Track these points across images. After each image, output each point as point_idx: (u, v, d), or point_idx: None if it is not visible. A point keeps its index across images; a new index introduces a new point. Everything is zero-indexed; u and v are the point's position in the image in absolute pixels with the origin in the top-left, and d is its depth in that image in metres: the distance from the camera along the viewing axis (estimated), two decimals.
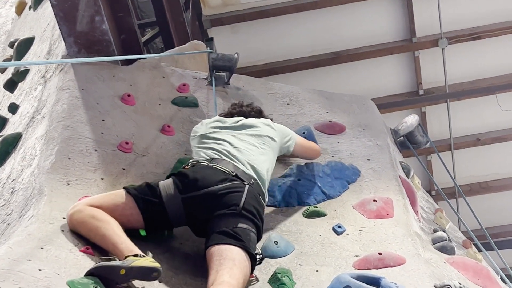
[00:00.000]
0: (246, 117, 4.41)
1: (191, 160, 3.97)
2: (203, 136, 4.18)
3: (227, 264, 3.30)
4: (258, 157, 4.01)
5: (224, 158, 3.92)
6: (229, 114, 4.48)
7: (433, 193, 9.14)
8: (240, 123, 4.26)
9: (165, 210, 3.64)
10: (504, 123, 9.22)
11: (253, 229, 3.57)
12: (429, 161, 9.47)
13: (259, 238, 3.68)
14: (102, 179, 4.09)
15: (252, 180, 3.83)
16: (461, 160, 9.49)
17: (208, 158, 3.93)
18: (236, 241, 3.43)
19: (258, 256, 3.57)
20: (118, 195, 3.64)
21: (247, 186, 3.73)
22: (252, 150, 4.03)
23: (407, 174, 4.96)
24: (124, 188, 3.71)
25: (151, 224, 3.67)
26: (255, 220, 3.63)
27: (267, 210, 4.23)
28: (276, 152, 4.23)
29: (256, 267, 3.66)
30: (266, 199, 3.99)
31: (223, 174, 3.77)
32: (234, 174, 3.80)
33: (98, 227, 3.40)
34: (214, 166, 3.83)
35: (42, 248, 3.22)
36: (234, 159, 3.92)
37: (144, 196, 3.64)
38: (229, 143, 4.04)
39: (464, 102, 9.13)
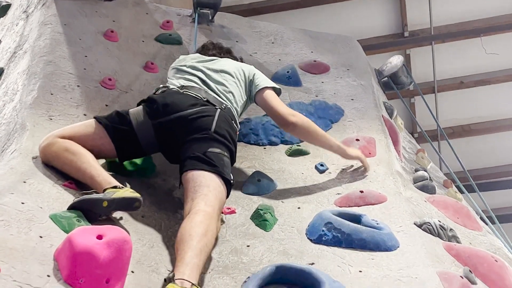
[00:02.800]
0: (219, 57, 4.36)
1: (161, 86, 3.94)
2: (177, 69, 4.15)
3: (202, 191, 3.29)
4: (229, 87, 3.99)
5: (195, 85, 3.90)
6: (202, 52, 4.43)
7: (416, 135, 9.20)
8: (215, 60, 4.22)
9: (137, 138, 3.63)
10: (488, 66, 9.25)
11: (226, 153, 3.56)
12: (413, 103, 9.51)
13: (232, 162, 3.67)
14: (85, 115, 4.07)
15: (224, 105, 3.82)
16: (444, 103, 9.53)
17: (179, 85, 3.91)
18: (210, 166, 3.42)
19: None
20: (89, 125, 3.62)
21: (218, 110, 3.72)
22: (225, 81, 4.01)
23: (390, 114, 4.97)
24: (94, 117, 3.68)
25: (123, 152, 3.66)
26: (228, 143, 3.61)
27: (251, 148, 4.26)
28: (245, 89, 4.12)
29: (239, 203, 3.70)
30: (239, 126, 3.97)
31: (194, 99, 3.75)
32: (205, 99, 3.78)
33: (72, 160, 3.38)
34: (185, 92, 3.81)
35: (24, 182, 3.22)
36: (205, 86, 3.91)
37: (114, 124, 3.62)
38: (203, 72, 4.02)
39: (449, 45, 9.13)
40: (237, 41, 5.28)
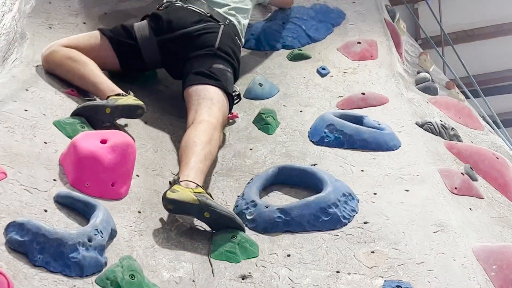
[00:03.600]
0: None
1: (164, 1, 3.88)
2: None
3: (206, 103, 3.33)
4: (233, 3, 3.94)
5: None
6: None
7: (420, 41, 9.09)
8: None
9: (140, 52, 3.62)
10: None
11: (229, 69, 3.58)
12: (416, 9, 9.35)
13: (235, 78, 3.69)
14: (84, 23, 4.05)
15: (228, 21, 3.79)
16: (447, 8, 9.38)
17: None
18: (213, 80, 3.45)
19: (235, 94, 3.59)
20: (93, 37, 3.60)
21: (222, 26, 3.70)
22: None
23: (393, 17, 4.92)
24: (99, 29, 3.66)
25: (126, 66, 3.66)
26: (231, 60, 3.63)
27: (252, 53, 4.25)
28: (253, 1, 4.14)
29: (241, 108, 3.71)
30: (243, 40, 3.96)
31: (197, 15, 3.72)
32: (209, 15, 3.75)
33: (75, 68, 3.38)
34: (188, 7, 3.76)
35: (27, 90, 3.22)
36: (209, 1, 3.85)
37: (119, 37, 3.60)
38: None
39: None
40: None
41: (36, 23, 3.85)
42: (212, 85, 3.43)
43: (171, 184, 2.93)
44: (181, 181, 2.84)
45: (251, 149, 3.38)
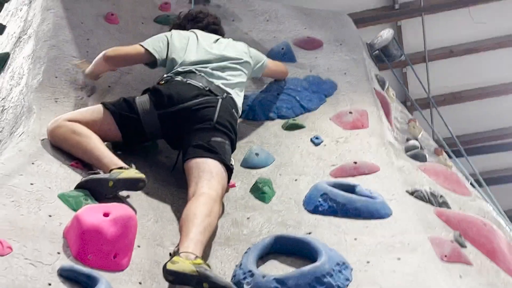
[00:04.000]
0: (207, 29, 4.36)
1: (165, 76, 3.92)
2: (179, 49, 4.06)
3: (206, 176, 3.34)
4: (231, 75, 3.99)
5: (198, 73, 3.88)
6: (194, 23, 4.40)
7: (409, 103, 9.17)
8: (218, 42, 4.21)
9: (142, 125, 3.64)
10: (476, 35, 9.16)
11: (227, 141, 3.61)
12: (405, 73, 9.44)
13: (233, 149, 3.71)
14: (89, 96, 4.09)
15: (225, 94, 3.82)
16: (435, 72, 9.46)
17: (183, 72, 3.88)
18: (213, 154, 3.47)
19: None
20: (96, 111, 3.63)
21: (220, 100, 3.73)
22: (228, 69, 4.01)
23: (382, 86, 4.97)
24: (102, 103, 3.69)
25: (128, 138, 3.68)
26: (229, 132, 3.66)
27: (249, 123, 4.28)
28: (248, 74, 4.19)
29: (238, 177, 3.72)
30: (240, 112, 3.99)
31: (196, 89, 3.75)
32: (207, 88, 3.78)
33: (79, 141, 3.40)
34: (187, 81, 3.80)
35: (33, 163, 3.24)
36: (207, 74, 3.89)
37: (121, 111, 3.63)
38: (206, 61, 3.99)
39: (438, 16, 9.04)
40: (233, 20, 5.26)
41: (42, 97, 3.89)
42: (211, 158, 3.45)
43: (172, 255, 2.93)
44: (181, 253, 2.84)
45: (248, 218, 3.38)
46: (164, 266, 2.77)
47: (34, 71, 4.13)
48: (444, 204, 3.60)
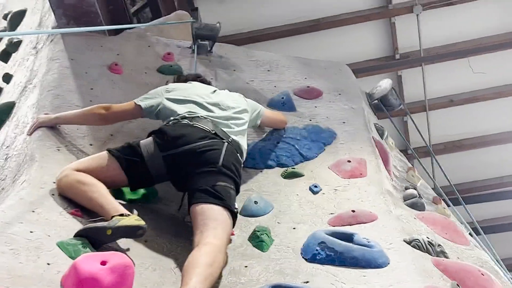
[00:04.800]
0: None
1: (171, 118, 3.92)
2: (181, 100, 4.06)
3: (211, 224, 3.32)
4: (234, 124, 4.00)
5: (204, 118, 3.89)
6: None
7: (409, 151, 9.19)
8: (216, 93, 4.22)
9: (147, 168, 3.64)
10: (476, 84, 9.25)
11: (232, 186, 3.59)
12: (405, 122, 9.50)
13: (237, 192, 3.70)
14: (91, 145, 4.09)
15: (231, 139, 3.83)
16: (435, 120, 9.52)
17: (189, 116, 3.89)
18: (218, 200, 3.45)
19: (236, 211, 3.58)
20: (102, 158, 3.63)
21: (225, 144, 3.74)
22: (230, 118, 4.02)
23: (381, 135, 4.97)
24: (107, 150, 3.69)
25: (134, 182, 3.68)
26: (234, 177, 3.66)
27: (248, 172, 4.26)
28: (248, 122, 4.19)
29: (237, 225, 3.69)
30: (244, 156, 3.99)
31: (202, 132, 3.75)
32: (213, 132, 3.78)
33: (85, 191, 3.40)
34: (194, 124, 3.80)
35: (33, 211, 3.22)
36: (213, 119, 3.90)
37: (126, 156, 3.64)
38: (209, 110, 4.01)
39: (438, 66, 9.13)
40: (234, 70, 5.29)
41: (45, 146, 3.89)
42: (217, 204, 3.43)
43: None
44: None
45: (246, 266, 3.33)
46: None
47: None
48: (442, 253, 3.55)
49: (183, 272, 3.03)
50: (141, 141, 3.72)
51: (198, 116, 3.89)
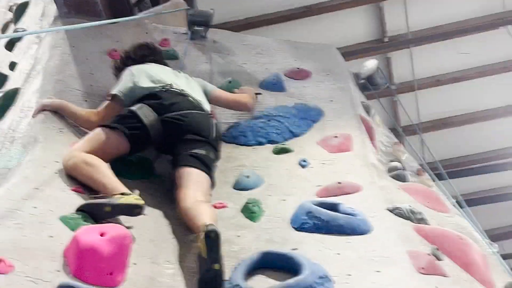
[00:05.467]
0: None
1: (159, 85, 4.01)
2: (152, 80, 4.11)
3: (200, 188, 3.53)
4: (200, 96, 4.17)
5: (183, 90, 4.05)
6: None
7: (400, 129, 9.20)
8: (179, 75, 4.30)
9: (148, 132, 3.74)
10: (461, 65, 9.23)
11: (215, 158, 3.83)
12: (395, 101, 9.49)
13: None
14: None
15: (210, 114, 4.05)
16: (424, 100, 9.51)
17: (175, 88, 4.02)
18: (207, 169, 3.67)
19: None
20: (104, 135, 3.69)
21: (214, 121, 3.93)
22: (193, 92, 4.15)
23: (368, 112, 5.00)
24: (106, 126, 3.74)
25: (136, 148, 3.79)
26: (217, 152, 3.90)
27: (241, 148, 4.29)
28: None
29: (230, 199, 3.75)
30: None
31: (190, 103, 3.94)
32: (198, 104, 3.98)
33: (89, 171, 3.44)
34: (183, 92, 4.00)
35: (37, 189, 3.25)
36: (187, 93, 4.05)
37: (127, 125, 3.72)
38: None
39: (425, 48, 9.11)
40: (228, 54, 5.32)
41: (48, 128, 3.92)
42: (206, 173, 3.65)
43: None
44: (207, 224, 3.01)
45: (238, 236, 3.38)
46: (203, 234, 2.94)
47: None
48: (423, 220, 3.60)
49: (190, 217, 3.26)
50: (134, 109, 3.79)
51: (180, 88, 4.03)
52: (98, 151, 3.58)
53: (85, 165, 3.46)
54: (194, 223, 3.20)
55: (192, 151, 3.68)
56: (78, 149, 3.59)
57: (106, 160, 3.56)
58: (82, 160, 3.48)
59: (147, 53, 4.40)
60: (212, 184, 3.72)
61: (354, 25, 9.03)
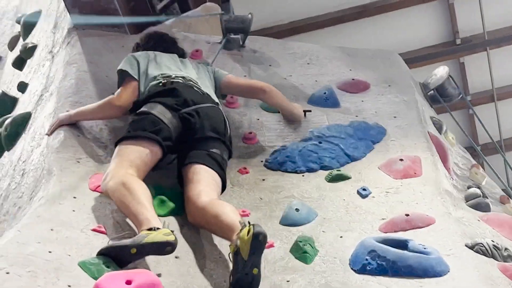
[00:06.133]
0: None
1: (159, 75, 4.25)
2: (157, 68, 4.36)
3: (216, 190, 3.79)
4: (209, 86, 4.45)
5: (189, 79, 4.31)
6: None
7: (479, 147, 9.09)
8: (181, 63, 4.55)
9: (171, 132, 3.96)
10: None
11: (227, 162, 4.12)
12: (471, 115, 9.39)
13: None
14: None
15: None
16: (505, 112, 9.41)
17: (181, 77, 4.26)
18: (221, 170, 3.94)
19: None
20: (138, 144, 3.84)
21: (225, 116, 4.23)
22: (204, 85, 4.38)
23: (439, 129, 4.95)
24: (135, 136, 3.88)
25: (167, 151, 3.98)
26: (230, 153, 4.17)
27: (288, 176, 4.28)
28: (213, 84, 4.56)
29: (277, 236, 3.73)
30: None
31: (199, 95, 4.19)
32: (205, 94, 4.24)
33: (125, 195, 3.51)
34: (189, 84, 4.23)
35: (52, 230, 3.29)
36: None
37: (153, 130, 3.89)
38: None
39: (504, 49, 9.03)
40: (270, 65, 5.33)
41: (64, 158, 3.98)
42: (220, 175, 3.90)
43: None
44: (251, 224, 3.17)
45: (288, 281, 3.35)
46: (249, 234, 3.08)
47: (55, 131, 4.23)
48: (510, 258, 3.53)
49: (215, 212, 3.48)
50: (150, 110, 3.98)
51: (184, 77, 4.27)
52: (139, 165, 3.75)
53: (123, 188, 3.53)
54: (223, 220, 3.39)
55: (210, 150, 3.96)
56: (119, 167, 3.69)
57: (146, 172, 3.79)
58: (121, 182, 3.56)
59: (157, 43, 4.66)
60: (223, 189, 3.94)
61: (419, 26, 9.01)
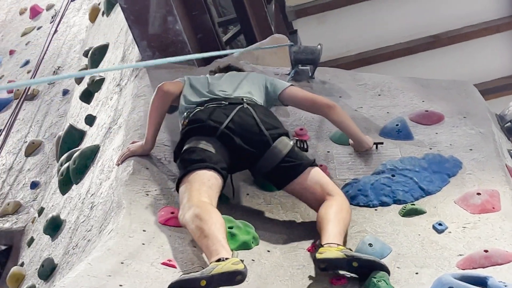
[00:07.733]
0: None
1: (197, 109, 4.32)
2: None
3: (316, 187, 4.10)
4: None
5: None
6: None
7: None
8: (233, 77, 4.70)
9: (221, 159, 4.08)
10: None
11: (290, 140, 4.30)
12: None
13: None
14: None
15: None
16: None
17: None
18: (306, 162, 4.19)
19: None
20: (203, 175, 3.92)
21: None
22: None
23: None
24: (201, 168, 3.94)
25: (226, 176, 4.12)
26: (282, 130, 4.33)
27: (361, 210, 4.26)
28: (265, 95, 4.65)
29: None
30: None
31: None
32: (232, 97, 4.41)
33: (198, 226, 3.59)
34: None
35: (122, 263, 3.36)
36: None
37: (212, 160, 4.02)
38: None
39: None
40: (340, 97, 5.34)
41: (133, 190, 4.05)
42: (310, 166, 4.17)
43: (316, 248, 3.62)
44: (324, 244, 3.58)
45: None
46: (314, 257, 3.55)
47: (124, 163, 4.31)
48: None
49: (317, 226, 3.85)
50: (196, 145, 4.07)
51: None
52: (207, 191, 3.84)
53: (196, 220, 3.62)
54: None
55: (276, 163, 4.15)
56: (191, 199, 3.76)
57: (215, 198, 3.89)
58: (195, 214, 3.64)
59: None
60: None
61: (492, 57, 8.92)
